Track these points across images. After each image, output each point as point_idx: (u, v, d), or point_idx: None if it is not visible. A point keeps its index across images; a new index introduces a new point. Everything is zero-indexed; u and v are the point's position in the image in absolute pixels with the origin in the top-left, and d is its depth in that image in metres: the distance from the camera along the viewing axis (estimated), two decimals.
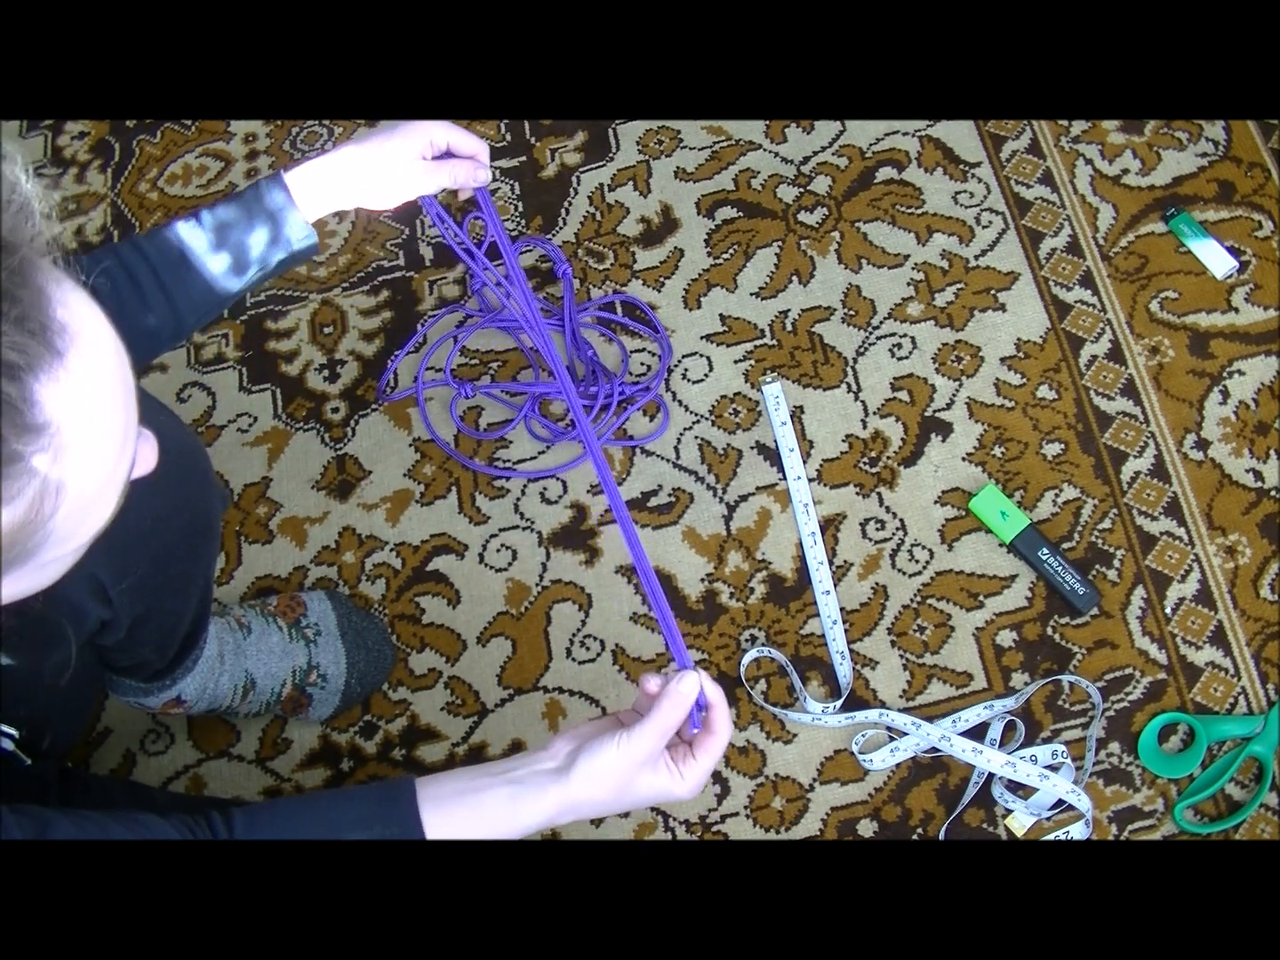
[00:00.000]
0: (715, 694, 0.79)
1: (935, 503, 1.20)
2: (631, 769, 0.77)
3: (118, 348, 0.53)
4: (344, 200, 0.93)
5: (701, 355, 1.30)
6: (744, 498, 1.23)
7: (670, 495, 1.24)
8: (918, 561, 1.18)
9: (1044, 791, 1.06)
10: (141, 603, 0.88)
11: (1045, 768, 1.05)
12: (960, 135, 1.38)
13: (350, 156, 0.92)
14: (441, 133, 0.94)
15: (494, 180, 1.41)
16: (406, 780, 0.75)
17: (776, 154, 1.40)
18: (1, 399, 0.45)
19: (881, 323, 1.29)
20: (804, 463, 1.23)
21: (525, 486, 1.25)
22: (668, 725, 0.77)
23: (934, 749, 1.09)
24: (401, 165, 0.93)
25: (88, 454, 0.51)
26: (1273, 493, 1.17)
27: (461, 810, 0.74)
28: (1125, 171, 1.33)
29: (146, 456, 0.59)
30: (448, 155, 0.96)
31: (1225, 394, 1.21)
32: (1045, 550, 1.14)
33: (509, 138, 1.44)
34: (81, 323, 0.50)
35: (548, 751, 0.77)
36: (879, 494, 1.21)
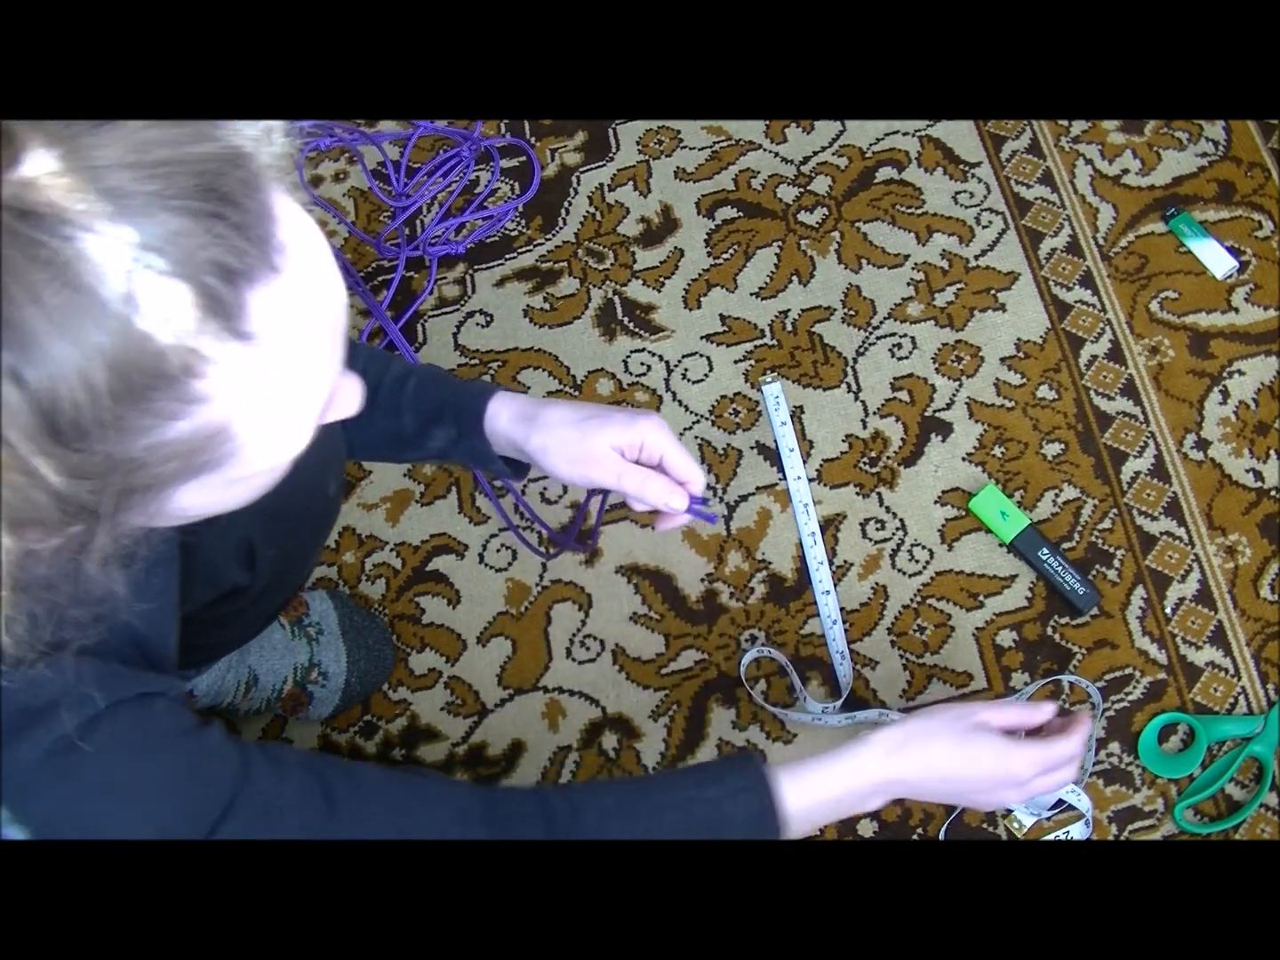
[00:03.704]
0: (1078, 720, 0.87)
1: (935, 503, 1.20)
2: (968, 733, 0.83)
3: (337, 283, 0.53)
4: (530, 450, 0.88)
5: (701, 355, 1.30)
6: (744, 498, 1.23)
7: None
8: (918, 561, 1.18)
9: None
10: (275, 575, 0.88)
11: None
12: (960, 135, 1.38)
13: (556, 414, 0.88)
14: (659, 441, 0.87)
15: (495, 180, 1.41)
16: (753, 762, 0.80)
17: (776, 154, 1.40)
18: (209, 295, 0.46)
19: (881, 323, 1.29)
20: (804, 463, 1.23)
21: (525, 486, 1.25)
22: (1013, 712, 0.85)
23: None
24: (598, 451, 0.87)
25: (287, 373, 0.51)
26: (1273, 493, 1.17)
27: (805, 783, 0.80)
28: (1125, 171, 1.33)
29: (350, 398, 0.60)
30: (659, 466, 0.89)
31: (1225, 394, 1.21)
32: (1045, 550, 1.14)
33: (508, 136, 1.44)
34: (304, 248, 0.51)
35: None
36: (879, 494, 1.21)
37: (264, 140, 0.49)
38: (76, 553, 0.52)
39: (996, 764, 0.84)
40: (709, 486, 1.23)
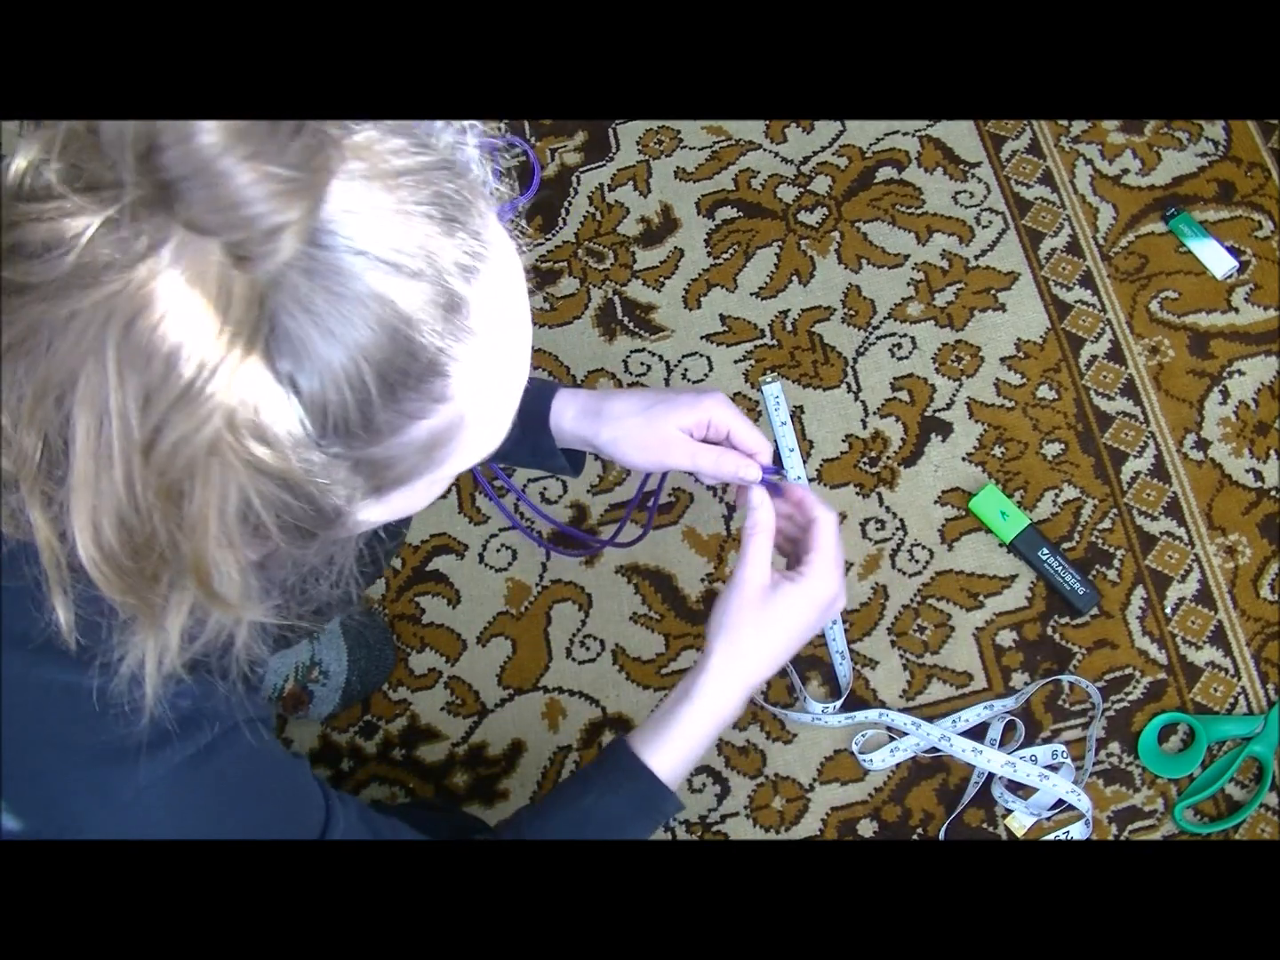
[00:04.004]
0: (792, 491, 0.87)
1: (935, 503, 1.20)
2: (754, 604, 0.83)
3: (522, 278, 0.56)
4: (600, 442, 0.90)
5: (701, 355, 1.30)
6: None
7: (670, 495, 1.24)
8: (918, 561, 1.18)
9: (1044, 791, 1.06)
10: (379, 570, 0.89)
11: (1045, 768, 1.05)
12: (960, 135, 1.38)
13: (622, 404, 0.89)
14: (726, 417, 0.89)
15: (496, 181, 1.41)
16: (619, 742, 0.83)
17: (776, 154, 1.40)
18: (454, 296, 0.49)
19: (881, 323, 1.29)
20: (804, 463, 1.23)
21: (525, 486, 1.25)
22: (754, 549, 0.83)
23: (934, 749, 1.09)
24: (667, 433, 0.89)
25: (502, 367, 0.54)
26: (1273, 493, 1.17)
27: (669, 743, 0.82)
28: (1125, 171, 1.33)
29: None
30: (727, 441, 0.90)
31: (1225, 394, 1.21)
32: (1045, 550, 1.14)
33: (508, 136, 1.44)
34: (501, 242, 0.54)
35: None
36: (879, 494, 1.21)
37: (464, 143, 0.52)
38: (305, 559, 0.54)
39: (804, 607, 0.85)
40: (708, 486, 1.23)
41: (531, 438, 0.92)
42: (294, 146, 0.44)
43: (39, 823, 0.61)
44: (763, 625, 0.84)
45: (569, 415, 0.91)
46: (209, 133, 0.42)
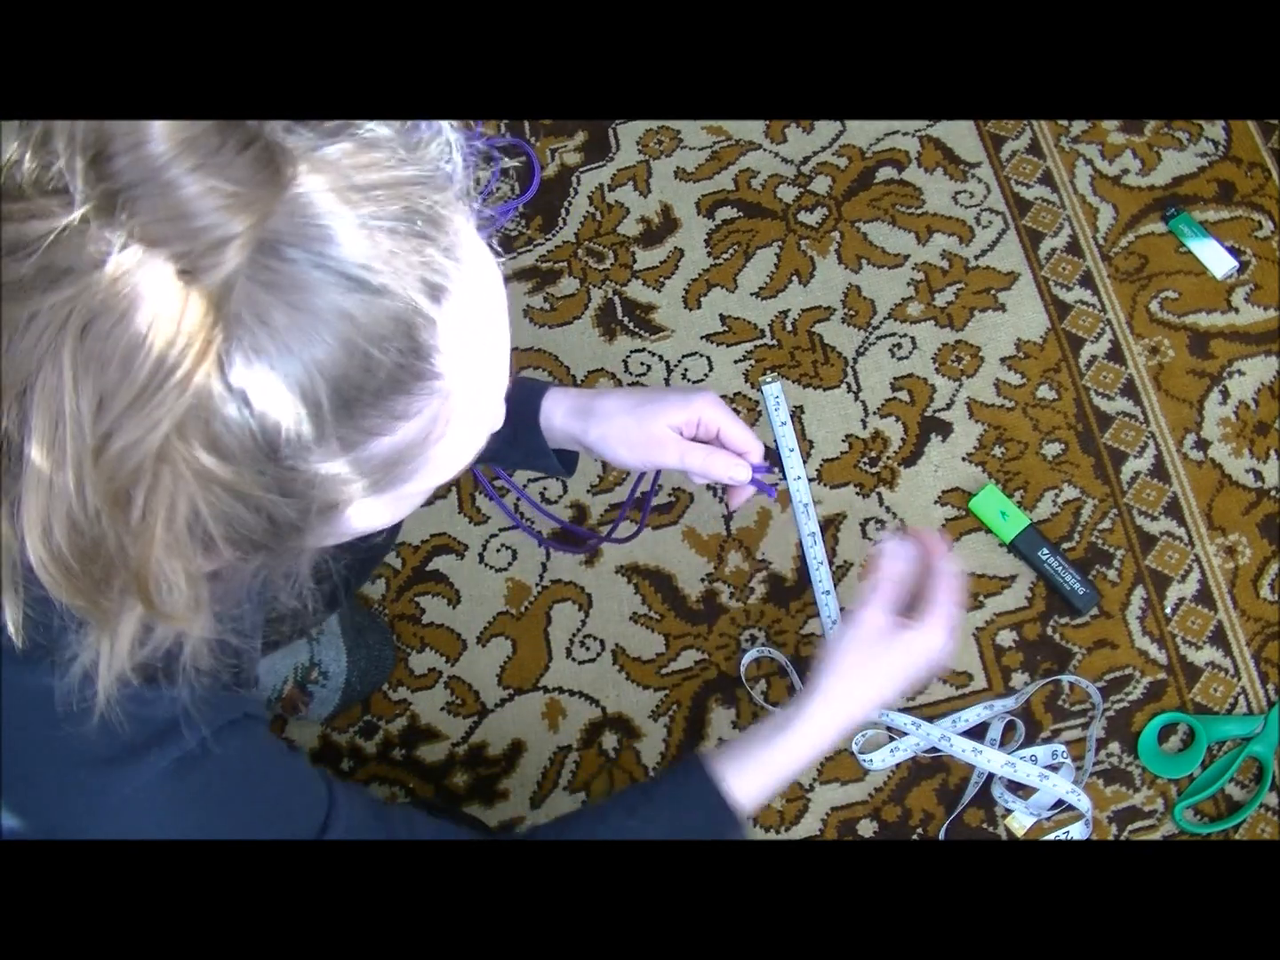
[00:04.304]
0: (926, 538, 0.87)
1: (935, 503, 1.20)
2: (869, 644, 0.84)
3: (502, 295, 0.55)
4: (590, 440, 0.90)
5: (701, 355, 1.30)
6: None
7: (670, 495, 1.24)
8: None
9: (1044, 791, 1.06)
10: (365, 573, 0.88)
11: (1045, 768, 1.05)
12: (960, 135, 1.38)
13: (612, 403, 0.89)
14: (716, 416, 0.89)
15: (496, 181, 1.41)
16: (696, 760, 0.82)
17: (776, 154, 1.40)
18: (419, 316, 0.48)
19: (881, 323, 1.29)
20: (804, 463, 1.23)
21: (525, 485, 1.25)
22: (880, 594, 0.84)
23: (934, 749, 1.09)
24: (657, 432, 0.89)
25: (474, 385, 0.53)
26: (1273, 493, 1.17)
27: (753, 771, 0.82)
28: (1125, 171, 1.33)
29: (500, 413, 0.61)
30: (717, 441, 0.91)
31: (1225, 394, 1.21)
32: (1045, 550, 1.14)
33: (508, 136, 1.44)
34: (477, 258, 0.53)
35: None
36: (879, 494, 1.21)
37: (445, 158, 0.52)
38: (264, 571, 0.53)
39: (910, 654, 0.85)
40: (708, 486, 1.23)
41: (522, 438, 0.91)
42: (243, 159, 0.44)
43: (35, 824, 0.61)
44: (873, 667, 0.85)
45: (559, 414, 0.91)
46: (159, 141, 0.42)
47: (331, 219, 0.46)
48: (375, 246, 0.46)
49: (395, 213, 0.47)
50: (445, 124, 0.52)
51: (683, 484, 1.24)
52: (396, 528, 0.96)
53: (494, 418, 0.57)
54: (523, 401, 0.91)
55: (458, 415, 0.53)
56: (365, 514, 0.55)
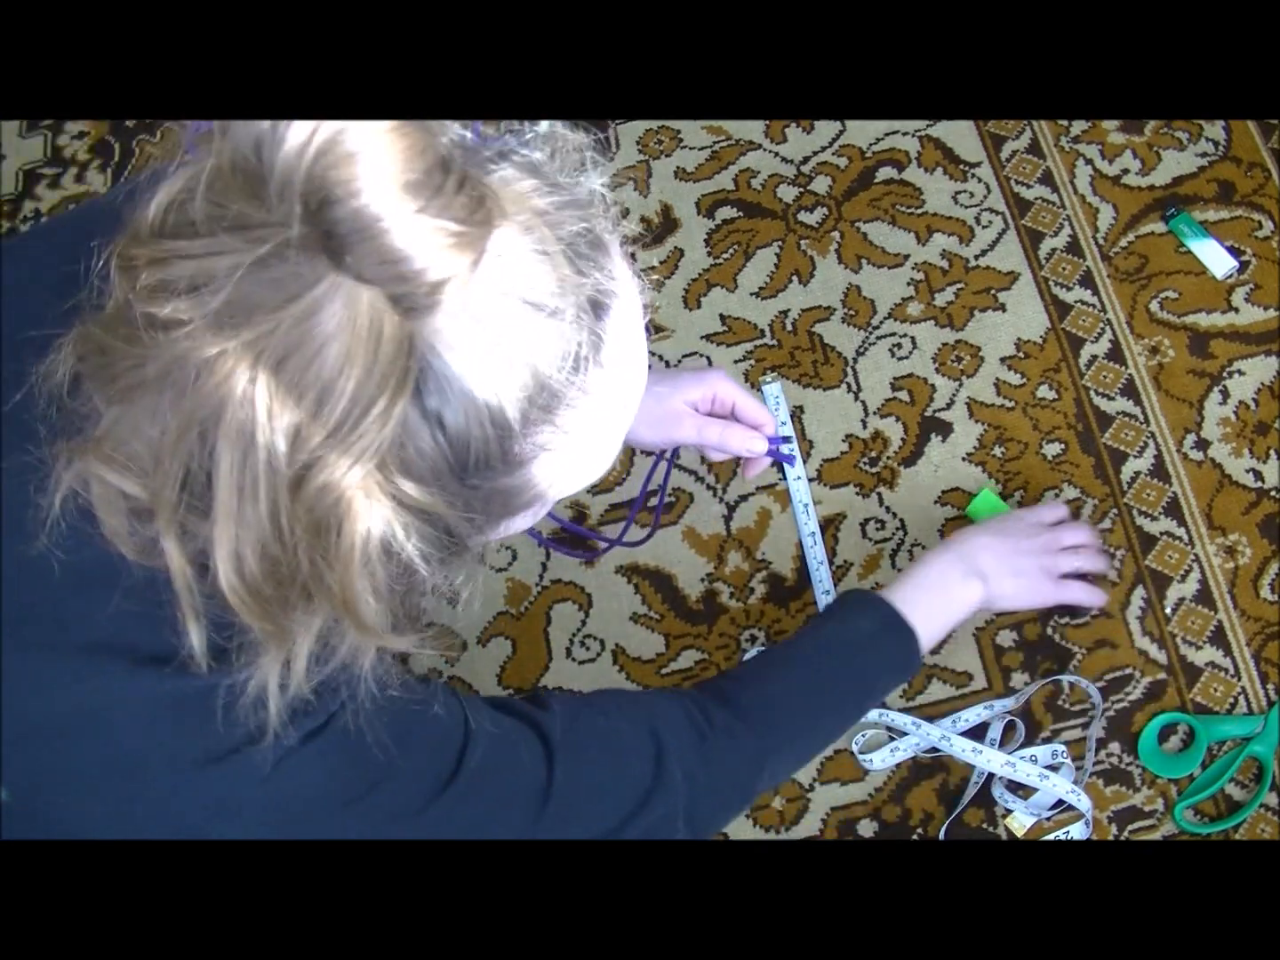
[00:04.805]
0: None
1: (935, 503, 1.20)
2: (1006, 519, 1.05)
3: (640, 308, 0.58)
4: None
5: (701, 355, 1.30)
6: (744, 498, 1.23)
7: (670, 495, 1.24)
8: None
9: (1044, 791, 1.06)
10: None
11: (1045, 768, 1.05)
12: (960, 135, 1.38)
13: None
14: (730, 391, 0.92)
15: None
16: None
17: (776, 154, 1.40)
18: (589, 331, 0.51)
19: (881, 323, 1.29)
20: (804, 463, 1.23)
21: None
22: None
23: (934, 749, 1.09)
24: (674, 408, 0.91)
25: (624, 395, 0.56)
26: (1273, 493, 1.17)
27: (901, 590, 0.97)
28: (1125, 171, 1.33)
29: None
30: (731, 415, 0.94)
31: (1225, 394, 1.21)
32: None
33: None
34: (624, 273, 0.56)
35: None
36: (879, 494, 1.21)
37: (587, 178, 0.55)
38: (437, 584, 0.55)
39: (1018, 513, 1.05)
40: (708, 486, 1.23)
41: None
42: (460, 200, 0.45)
43: (158, 830, 0.60)
44: (986, 524, 1.03)
45: None
46: (380, 188, 0.43)
47: (510, 247, 0.48)
48: (550, 271, 0.49)
49: (563, 236, 0.50)
50: (582, 139, 0.56)
51: (683, 484, 1.24)
52: None
53: (635, 413, 0.60)
54: None
55: (609, 423, 0.56)
56: (521, 521, 0.58)
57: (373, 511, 0.47)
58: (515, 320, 0.48)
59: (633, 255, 1.28)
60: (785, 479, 1.22)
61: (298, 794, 0.60)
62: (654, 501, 1.23)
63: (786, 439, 0.95)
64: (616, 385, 0.54)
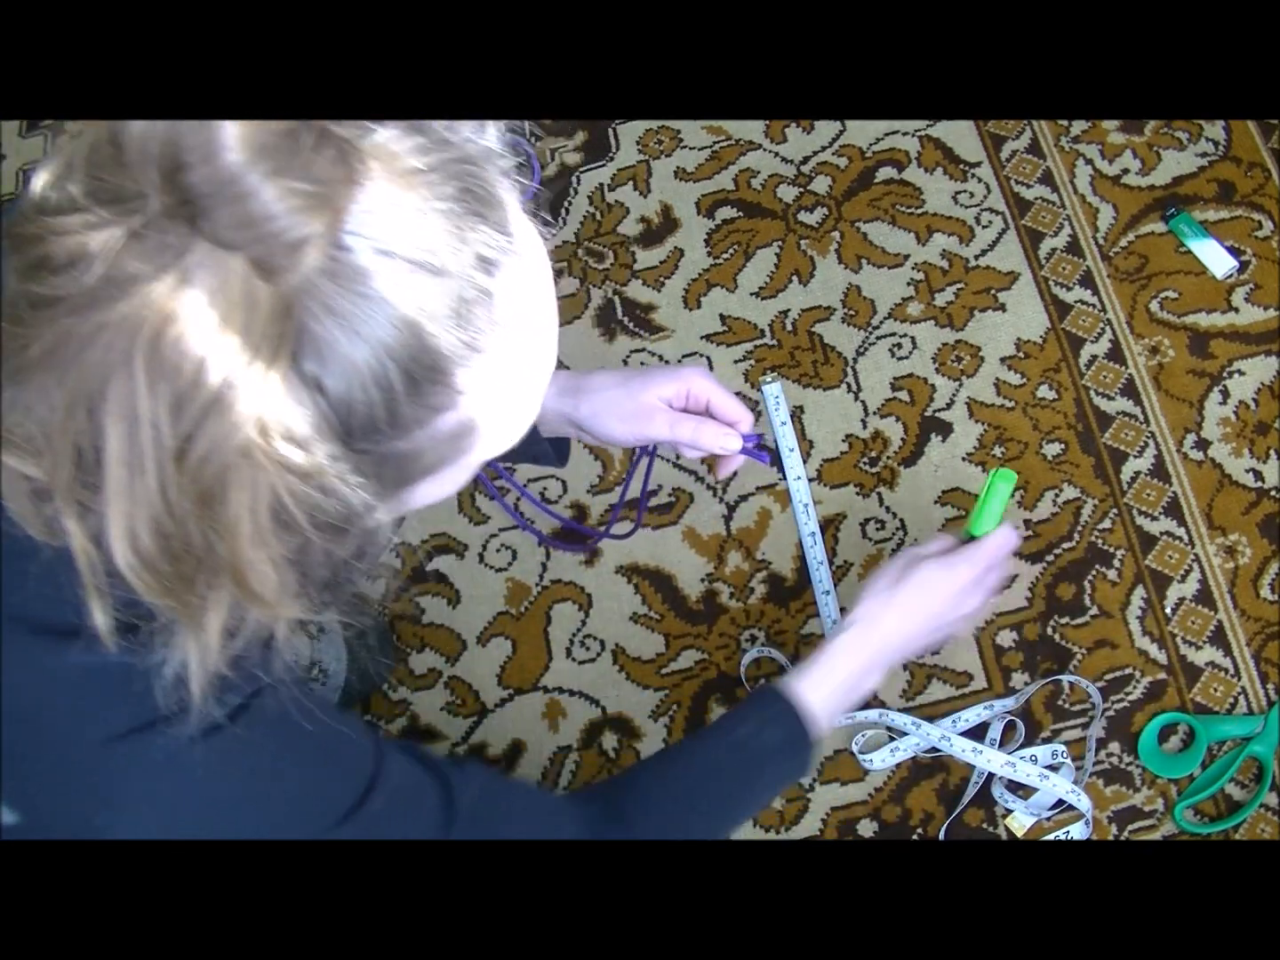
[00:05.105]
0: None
1: (935, 503, 1.20)
2: (900, 564, 0.93)
3: (547, 264, 0.57)
4: (581, 416, 0.90)
5: (701, 355, 1.30)
6: (744, 498, 1.23)
7: (670, 495, 1.24)
8: None
9: (1044, 791, 1.06)
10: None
11: (1045, 768, 1.05)
12: (960, 135, 1.38)
13: (600, 379, 0.90)
14: (705, 387, 0.90)
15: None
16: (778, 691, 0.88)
17: (776, 154, 1.40)
18: (476, 288, 0.49)
19: (881, 323, 1.29)
20: (804, 463, 1.23)
21: (526, 485, 1.25)
22: (944, 542, 0.95)
23: (934, 749, 1.09)
24: (647, 404, 0.89)
25: (527, 356, 0.55)
26: (1273, 493, 1.17)
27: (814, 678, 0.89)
28: (1125, 171, 1.33)
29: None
30: (706, 413, 0.92)
31: (1225, 394, 1.21)
32: None
33: (507, 135, 1.44)
34: (527, 231, 0.54)
35: None
36: (879, 494, 1.21)
37: (482, 135, 0.53)
38: (336, 553, 0.54)
39: (944, 575, 0.93)
40: (708, 486, 1.23)
41: None
42: (318, 160, 0.45)
43: (56, 810, 0.60)
44: (899, 586, 0.92)
45: (550, 395, 0.91)
46: (233, 150, 0.43)
47: (389, 205, 0.47)
48: (432, 228, 0.48)
49: (447, 193, 0.49)
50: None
51: (682, 484, 1.24)
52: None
53: (547, 381, 0.59)
54: None
55: (514, 384, 0.54)
56: (430, 489, 0.56)
57: (258, 480, 0.46)
58: (393, 279, 0.47)
59: (632, 254, 1.28)
60: (785, 479, 1.22)
61: (202, 782, 0.60)
62: (647, 500, 1.23)
63: (760, 437, 0.93)
64: (517, 345, 0.53)
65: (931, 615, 0.93)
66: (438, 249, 0.48)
